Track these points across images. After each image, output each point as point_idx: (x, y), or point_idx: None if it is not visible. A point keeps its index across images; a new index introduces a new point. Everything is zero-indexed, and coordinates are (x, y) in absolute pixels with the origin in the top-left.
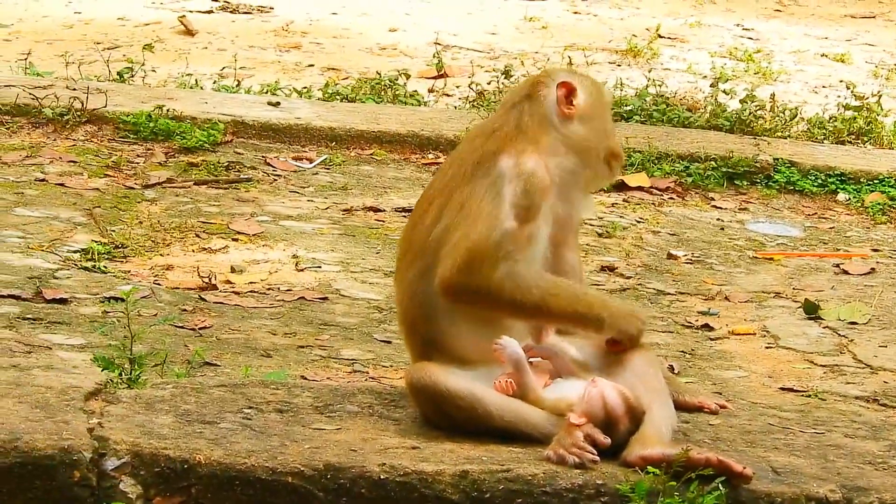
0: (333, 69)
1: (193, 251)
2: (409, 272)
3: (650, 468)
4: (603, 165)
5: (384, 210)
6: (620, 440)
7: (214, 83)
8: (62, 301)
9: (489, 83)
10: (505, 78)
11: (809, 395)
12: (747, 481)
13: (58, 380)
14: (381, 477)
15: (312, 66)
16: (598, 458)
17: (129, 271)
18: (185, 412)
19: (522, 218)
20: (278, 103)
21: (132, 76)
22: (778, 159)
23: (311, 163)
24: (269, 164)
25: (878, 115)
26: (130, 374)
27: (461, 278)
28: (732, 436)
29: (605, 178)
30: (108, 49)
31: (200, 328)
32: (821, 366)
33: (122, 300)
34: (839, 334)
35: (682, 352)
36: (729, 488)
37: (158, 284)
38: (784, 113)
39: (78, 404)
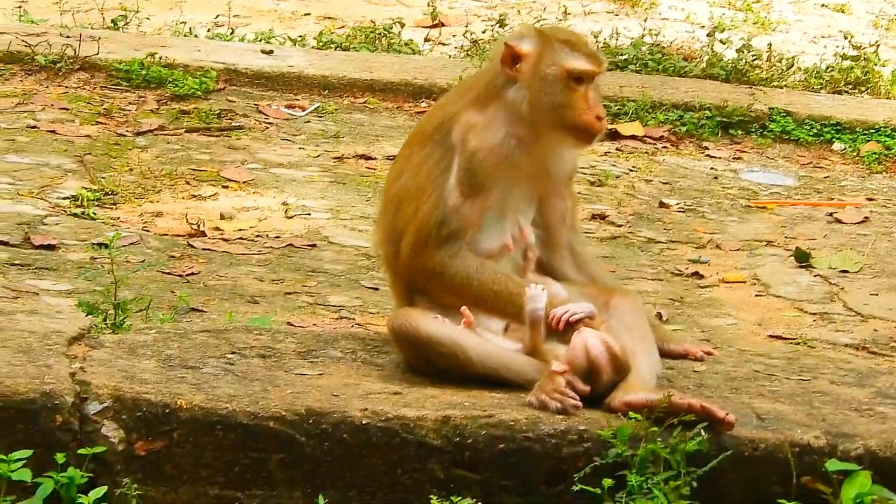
0: (329, 18)
1: (183, 198)
2: (384, 220)
3: (632, 414)
4: (562, 134)
5: (375, 158)
6: (603, 390)
7: (208, 31)
8: (50, 247)
9: (484, 32)
10: (500, 27)
11: (798, 343)
12: (730, 427)
13: (41, 325)
14: (363, 422)
15: (309, 14)
16: (580, 403)
17: (118, 218)
18: (167, 357)
19: (467, 194)
20: (272, 51)
21: (126, 24)
22: (773, 108)
23: (303, 111)
24: (261, 112)
25: (875, 64)
26: (114, 319)
27: (412, 259)
28: (717, 382)
29: (568, 147)
30: None
31: (188, 274)
32: (811, 314)
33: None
34: (830, 282)
35: (672, 299)
36: (711, 434)
37: (147, 231)
38: (780, 62)
39: (61, 349)
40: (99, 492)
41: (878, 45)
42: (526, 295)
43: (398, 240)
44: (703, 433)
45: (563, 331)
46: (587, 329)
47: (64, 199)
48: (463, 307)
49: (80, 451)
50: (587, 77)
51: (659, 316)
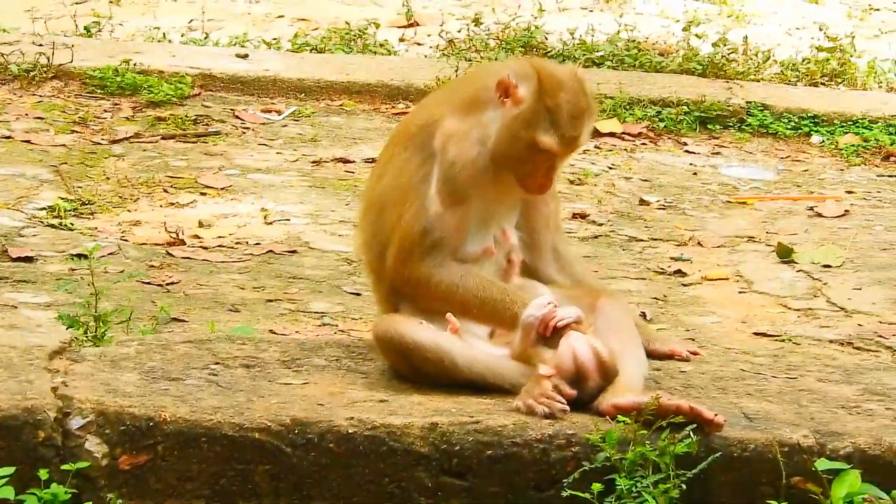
0: (303, 20)
1: (161, 206)
2: (365, 223)
3: (621, 417)
4: (510, 176)
5: (354, 161)
6: (590, 395)
7: (182, 36)
8: (28, 259)
9: (459, 31)
10: (475, 26)
11: (783, 340)
12: (718, 429)
13: (22, 339)
14: (349, 431)
15: (283, 16)
16: (567, 407)
17: (95, 228)
18: (150, 369)
19: (448, 203)
20: (247, 55)
21: (100, 31)
22: (751, 102)
23: (279, 115)
24: (237, 117)
25: (851, 56)
26: (95, 331)
27: (397, 268)
28: (704, 382)
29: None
30: (77, 3)
31: (168, 284)
32: (794, 310)
33: (88, 257)
34: (813, 278)
35: (655, 298)
36: (700, 435)
37: (125, 240)
38: (757, 56)
39: (42, 363)
40: None
41: (854, 37)
42: (520, 302)
43: (381, 246)
44: (692, 435)
45: (551, 336)
46: (576, 333)
47: (40, 209)
48: (448, 313)
49: (64, 466)
50: (553, 154)
51: (643, 315)
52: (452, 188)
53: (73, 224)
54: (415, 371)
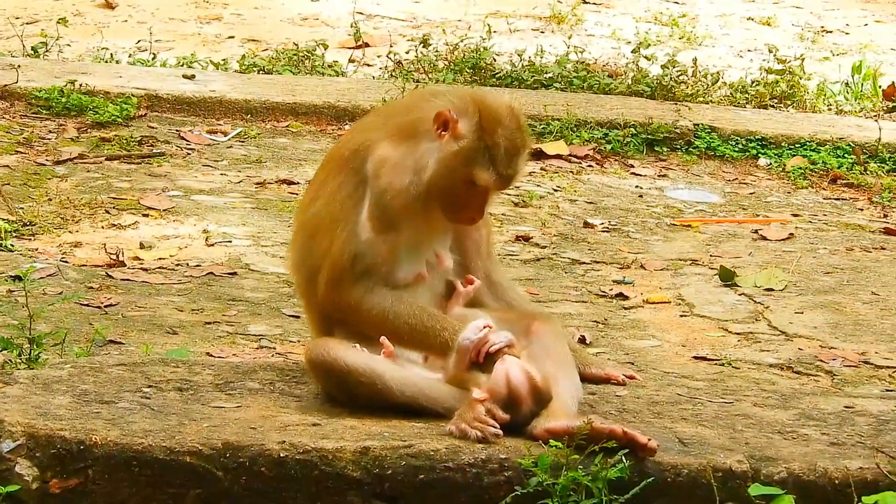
0: (254, 41)
1: (103, 228)
2: (297, 244)
3: (553, 441)
4: (440, 208)
5: (298, 182)
6: (523, 420)
7: (130, 57)
8: None
9: (408, 52)
10: (423, 47)
11: (722, 364)
12: (652, 453)
13: None
14: (281, 455)
15: (233, 37)
16: (500, 432)
17: (36, 249)
18: (82, 392)
19: (380, 229)
20: (193, 76)
21: (47, 51)
22: (698, 125)
23: (225, 136)
24: (182, 138)
25: (801, 78)
26: (29, 353)
27: (328, 294)
28: (639, 407)
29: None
30: (27, 24)
31: (106, 306)
32: (735, 333)
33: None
34: (755, 301)
35: (596, 321)
36: (634, 460)
37: (66, 262)
38: (706, 77)
39: None
40: None
41: (804, 59)
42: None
43: (312, 270)
44: (625, 460)
45: (484, 362)
46: (510, 358)
47: None
48: (382, 337)
49: None
50: (488, 189)
51: (582, 339)
52: (384, 215)
53: (13, 245)
54: (348, 395)
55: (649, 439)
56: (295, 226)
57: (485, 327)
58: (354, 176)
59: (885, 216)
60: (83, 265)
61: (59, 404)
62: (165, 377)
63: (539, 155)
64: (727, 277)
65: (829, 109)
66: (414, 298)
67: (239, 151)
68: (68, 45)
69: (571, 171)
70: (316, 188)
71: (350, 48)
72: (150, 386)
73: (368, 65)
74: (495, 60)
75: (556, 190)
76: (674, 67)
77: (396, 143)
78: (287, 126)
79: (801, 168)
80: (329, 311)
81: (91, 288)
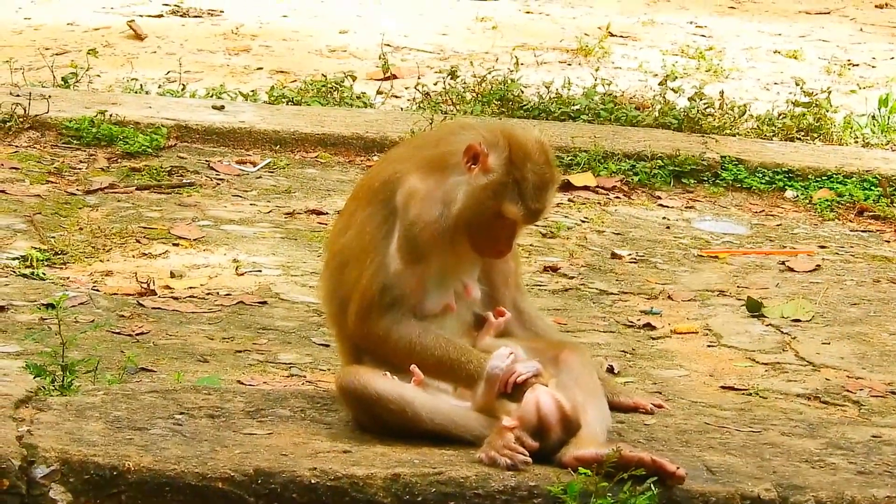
0: (282, 72)
1: (133, 257)
2: (327, 275)
3: (582, 469)
4: (468, 241)
5: (327, 213)
6: (552, 448)
7: (160, 87)
8: None
9: (436, 84)
10: (451, 79)
11: (750, 394)
12: (680, 482)
13: None
14: (312, 481)
15: (261, 69)
16: (530, 459)
17: (67, 278)
18: (115, 419)
19: (408, 260)
20: (223, 107)
21: (77, 81)
22: (725, 157)
23: (254, 166)
24: (212, 169)
25: (827, 111)
26: (62, 381)
27: (358, 325)
28: (667, 435)
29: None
30: (57, 55)
31: (137, 334)
32: (762, 364)
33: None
34: (782, 332)
35: (624, 351)
36: (662, 488)
37: (97, 290)
38: (733, 110)
39: (7, 412)
40: None
41: (830, 92)
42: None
43: (342, 300)
44: (654, 487)
45: (512, 392)
46: (540, 386)
47: (13, 259)
48: (412, 365)
49: None
50: (516, 223)
51: (610, 369)
52: (413, 247)
53: (45, 274)
54: (378, 422)
55: (678, 467)
56: (325, 256)
57: (510, 354)
58: (384, 208)
59: None
60: (114, 294)
61: (92, 430)
62: (197, 404)
63: (567, 186)
64: (754, 308)
65: (856, 142)
66: (441, 330)
67: (268, 182)
68: (98, 75)
69: (599, 203)
70: (346, 219)
71: (378, 80)
72: (182, 413)
73: (396, 96)
74: (523, 92)
75: (583, 221)
76: (701, 100)
77: (426, 175)
78: (316, 157)
79: (827, 200)
80: (357, 341)
81: (122, 316)
